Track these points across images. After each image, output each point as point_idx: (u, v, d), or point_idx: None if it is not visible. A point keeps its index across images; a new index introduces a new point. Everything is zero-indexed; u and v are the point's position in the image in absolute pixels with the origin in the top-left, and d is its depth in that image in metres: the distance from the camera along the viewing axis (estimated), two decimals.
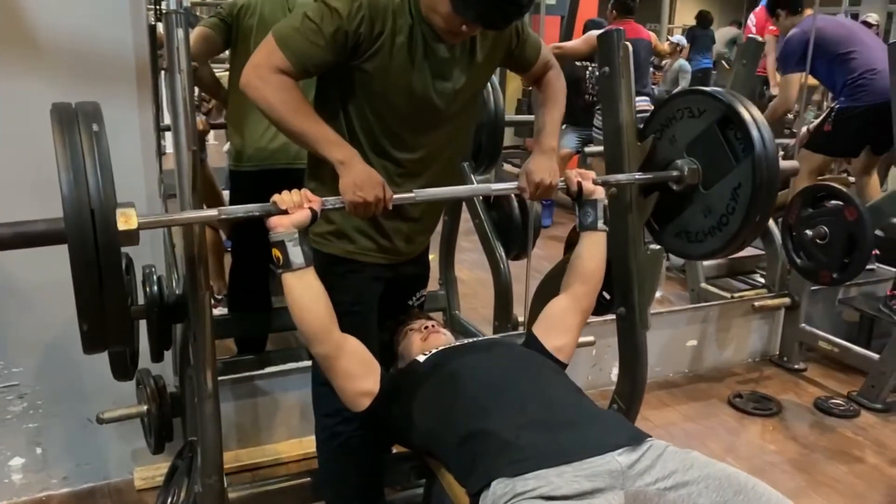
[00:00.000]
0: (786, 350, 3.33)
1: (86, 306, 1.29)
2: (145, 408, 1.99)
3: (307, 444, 2.46)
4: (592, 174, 1.79)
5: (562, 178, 1.78)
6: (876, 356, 3.00)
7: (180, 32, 1.58)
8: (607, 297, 2.50)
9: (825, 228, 2.81)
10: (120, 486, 2.28)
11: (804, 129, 3.65)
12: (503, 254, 2.84)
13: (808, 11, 3.57)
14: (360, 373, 1.60)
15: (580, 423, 1.44)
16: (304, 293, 1.51)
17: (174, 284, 2.00)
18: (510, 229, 2.83)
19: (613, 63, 2.09)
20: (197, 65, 2.64)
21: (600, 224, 1.78)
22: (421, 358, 1.71)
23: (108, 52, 2.02)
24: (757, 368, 3.31)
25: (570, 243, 2.58)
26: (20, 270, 2.07)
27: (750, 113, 1.78)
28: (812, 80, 3.69)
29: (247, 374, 2.39)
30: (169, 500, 1.93)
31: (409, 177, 1.70)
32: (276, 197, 1.49)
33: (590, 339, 2.80)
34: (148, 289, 1.78)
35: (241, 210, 1.52)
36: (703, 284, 3.68)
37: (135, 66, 2.04)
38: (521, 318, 2.84)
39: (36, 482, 2.23)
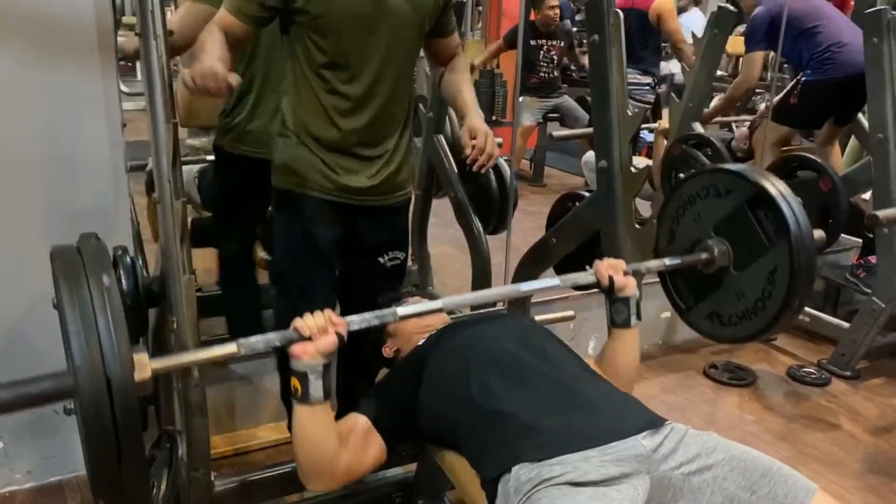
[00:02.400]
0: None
1: (103, 484, 1.15)
2: None
3: (285, 429, 2.38)
4: (622, 265, 1.66)
5: (591, 272, 1.66)
6: (846, 325, 3.04)
7: None
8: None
9: (799, 199, 2.82)
10: None
11: (762, 106, 3.66)
12: (481, 228, 2.77)
13: None
14: (363, 466, 1.50)
15: (600, 406, 1.39)
16: (315, 428, 1.38)
17: (139, 265, 1.89)
18: (488, 203, 2.76)
19: (603, 31, 2.04)
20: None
21: (633, 320, 1.65)
22: (421, 342, 1.64)
23: (66, 17, 1.86)
24: None
25: (553, 218, 2.54)
26: None
27: (781, 193, 1.67)
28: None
29: None
30: None
31: (355, 112, 1.77)
32: (297, 323, 1.33)
33: (569, 313, 2.76)
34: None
35: (261, 342, 1.32)
36: None
37: (96, 31, 1.89)
38: None
39: None
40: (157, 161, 1.50)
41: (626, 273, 1.65)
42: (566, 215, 2.29)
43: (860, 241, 3.50)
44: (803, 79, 3.46)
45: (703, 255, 1.78)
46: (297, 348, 1.33)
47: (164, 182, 1.50)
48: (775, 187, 1.71)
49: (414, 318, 1.73)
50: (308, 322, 1.34)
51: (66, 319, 1.10)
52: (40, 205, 1.94)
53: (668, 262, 1.81)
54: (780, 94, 3.58)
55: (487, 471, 1.35)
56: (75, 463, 2.17)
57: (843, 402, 2.81)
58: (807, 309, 3.23)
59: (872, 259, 3.19)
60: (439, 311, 1.54)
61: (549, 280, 1.70)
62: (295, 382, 1.34)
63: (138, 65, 7.54)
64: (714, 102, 3.92)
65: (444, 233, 3.32)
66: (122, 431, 1.09)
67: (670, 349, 3.21)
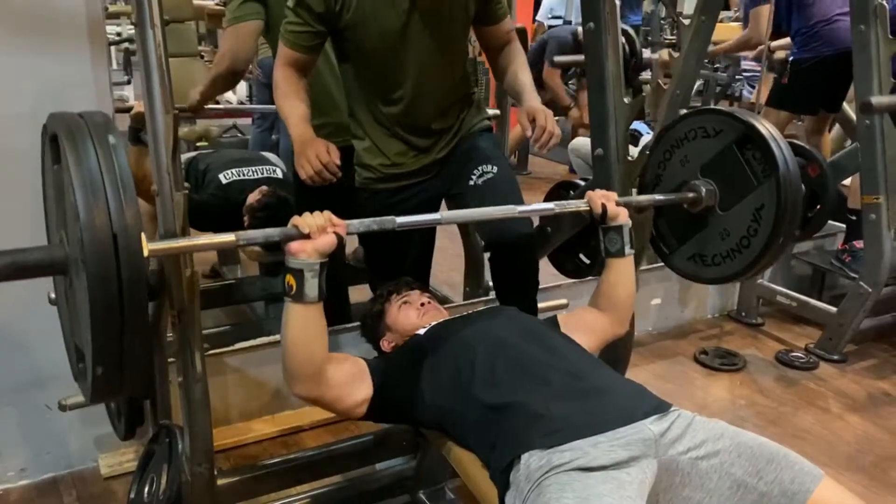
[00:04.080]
0: (744, 305, 3.39)
1: (104, 347, 1.10)
2: None
3: (281, 421, 2.38)
4: (615, 195, 1.71)
5: (584, 201, 1.71)
6: (833, 309, 3.07)
7: None
8: (587, 261, 2.48)
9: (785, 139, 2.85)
10: (84, 475, 2.13)
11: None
12: None
13: None
14: (348, 391, 1.51)
15: (606, 392, 1.41)
16: (308, 328, 1.39)
17: None
18: None
19: (599, 18, 2.03)
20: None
21: (627, 249, 1.70)
22: (421, 331, 1.63)
23: (55, 3, 1.82)
24: (717, 324, 3.37)
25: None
26: None
27: (770, 133, 1.72)
28: None
29: (215, 351, 2.26)
30: (146, 488, 1.81)
31: (410, 111, 1.86)
32: (296, 220, 1.35)
33: (563, 301, 2.79)
34: None
35: (259, 235, 1.34)
36: None
37: (86, 18, 1.85)
38: (492, 283, 2.78)
39: None
40: (156, 153, 1.47)
41: (618, 204, 1.71)
42: None
43: (844, 226, 3.54)
44: (791, 57, 3.48)
45: (690, 194, 1.84)
46: (294, 245, 1.35)
47: (164, 174, 1.47)
48: (765, 127, 1.76)
49: (414, 315, 1.73)
50: (308, 220, 1.36)
51: (73, 179, 1.06)
52: (30, 197, 1.90)
53: (658, 197, 1.88)
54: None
55: (497, 461, 1.34)
56: (69, 459, 2.15)
57: (832, 386, 2.84)
58: (794, 293, 3.27)
59: (857, 244, 3.23)
60: (438, 223, 1.60)
61: (544, 204, 1.77)
62: (290, 279, 1.36)
63: (113, 52, 7.42)
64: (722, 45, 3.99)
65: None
66: (126, 292, 1.07)
67: (660, 336, 3.23)
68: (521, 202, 1.92)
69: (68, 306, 1.26)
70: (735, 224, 1.78)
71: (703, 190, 1.81)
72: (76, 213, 1.04)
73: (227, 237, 1.33)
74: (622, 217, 1.70)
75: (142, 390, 1.27)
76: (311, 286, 1.34)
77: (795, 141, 3.00)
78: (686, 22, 3.45)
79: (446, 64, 1.87)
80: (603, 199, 1.69)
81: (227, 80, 2.41)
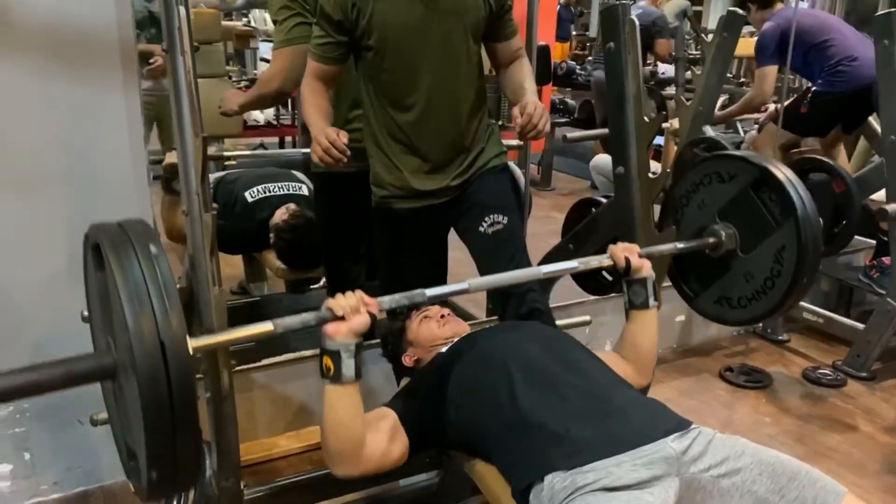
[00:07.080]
0: (769, 322, 3.37)
1: (158, 452, 1.12)
2: None
3: (306, 437, 2.40)
4: (637, 248, 1.71)
5: (608, 255, 1.71)
6: (860, 326, 3.05)
7: (182, 10, 1.48)
8: (609, 278, 2.49)
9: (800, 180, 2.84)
10: (114, 490, 2.17)
11: (771, 107, 3.69)
12: None
13: (779, 5, 3.58)
14: (387, 460, 1.50)
15: (628, 411, 1.41)
16: (346, 408, 1.38)
17: None
18: None
19: (619, 38, 2.06)
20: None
21: (651, 301, 1.70)
22: (444, 349, 1.65)
23: (89, 31, 1.88)
24: (742, 341, 3.34)
25: (569, 224, 2.55)
26: None
27: (784, 174, 1.72)
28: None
29: (242, 367, 2.30)
30: (175, 502, 1.85)
31: (421, 123, 1.89)
32: (330, 302, 1.36)
33: (586, 318, 2.78)
34: None
35: (297, 321, 1.34)
36: None
37: (119, 45, 1.91)
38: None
39: (25, 489, 2.11)
40: (185, 175, 1.52)
41: (640, 255, 1.69)
42: (583, 221, 2.30)
43: (873, 241, 3.50)
44: (814, 89, 3.47)
45: (711, 240, 1.84)
46: (330, 327, 1.35)
47: (193, 195, 1.51)
48: (779, 170, 1.76)
49: (435, 328, 1.76)
50: (341, 302, 1.36)
51: (119, 290, 1.08)
52: (64, 218, 1.96)
53: (679, 245, 1.86)
54: (789, 101, 3.60)
55: (518, 481, 1.36)
56: (101, 473, 2.19)
57: (860, 404, 2.81)
58: (821, 310, 3.25)
59: (885, 260, 3.20)
60: (465, 291, 1.55)
61: (567, 263, 1.73)
62: (327, 361, 1.36)
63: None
64: (727, 108, 3.96)
65: (452, 237, 3.34)
66: (176, 398, 1.07)
67: (685, 353, 3.22)
68: (525, 256, 1.98)
69: (118, 406, 1.28)
70: (758, 266, 1.77)
71: (723, 234, 1.80)
72: (124, 324, 1.07)
73: (266, 326, 1.30)
74: (645, 269, 1.69)
75: (192, 484, 1.32)
76: (348, 366, 1.34)
77: (818, 157, 3.00)
78: (709, 38, 3.47)
79: (460, 71, 1.89)
80: (626, 252, 1.67)
81: (274, 99, 2.50)
